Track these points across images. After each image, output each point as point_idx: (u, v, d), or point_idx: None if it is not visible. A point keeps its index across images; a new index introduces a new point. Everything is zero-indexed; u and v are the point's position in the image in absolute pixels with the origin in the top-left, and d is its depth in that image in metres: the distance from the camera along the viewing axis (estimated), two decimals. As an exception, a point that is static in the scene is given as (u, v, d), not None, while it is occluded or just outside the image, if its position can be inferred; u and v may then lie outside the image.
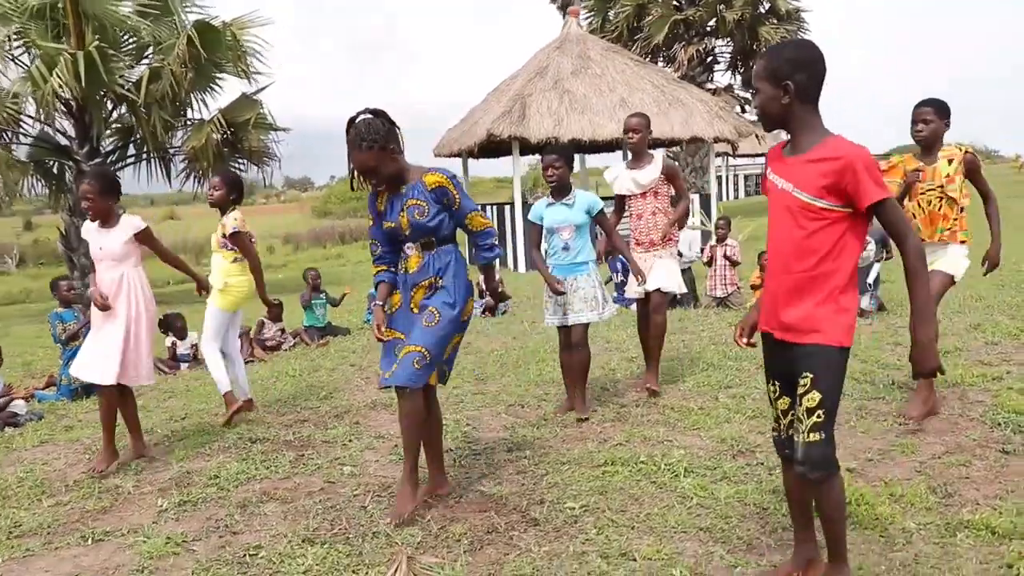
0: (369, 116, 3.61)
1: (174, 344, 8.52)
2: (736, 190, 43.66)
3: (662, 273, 5.62)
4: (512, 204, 18.21)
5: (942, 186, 4.61)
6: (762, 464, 4.01)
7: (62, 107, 14.82)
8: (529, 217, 5.43)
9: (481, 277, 4.64)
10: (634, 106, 16.92)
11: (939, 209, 4.64)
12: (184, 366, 8.37)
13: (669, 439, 4.50)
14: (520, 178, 18.77)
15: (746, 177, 44.52)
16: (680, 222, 5.84)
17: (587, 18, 27.37)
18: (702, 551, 3.13)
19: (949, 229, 4.65)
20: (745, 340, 2.85)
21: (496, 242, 3.92)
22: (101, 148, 15.72)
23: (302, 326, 9.66)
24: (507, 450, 4.53)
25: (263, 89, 16.02)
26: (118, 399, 4.84)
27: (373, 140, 3.53)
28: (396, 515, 3.59)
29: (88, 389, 6.75)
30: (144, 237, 4.85)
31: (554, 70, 17.76)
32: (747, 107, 26.90)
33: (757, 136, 27.96)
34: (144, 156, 16.44)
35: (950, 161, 4.62)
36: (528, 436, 4.77)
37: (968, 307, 8.12)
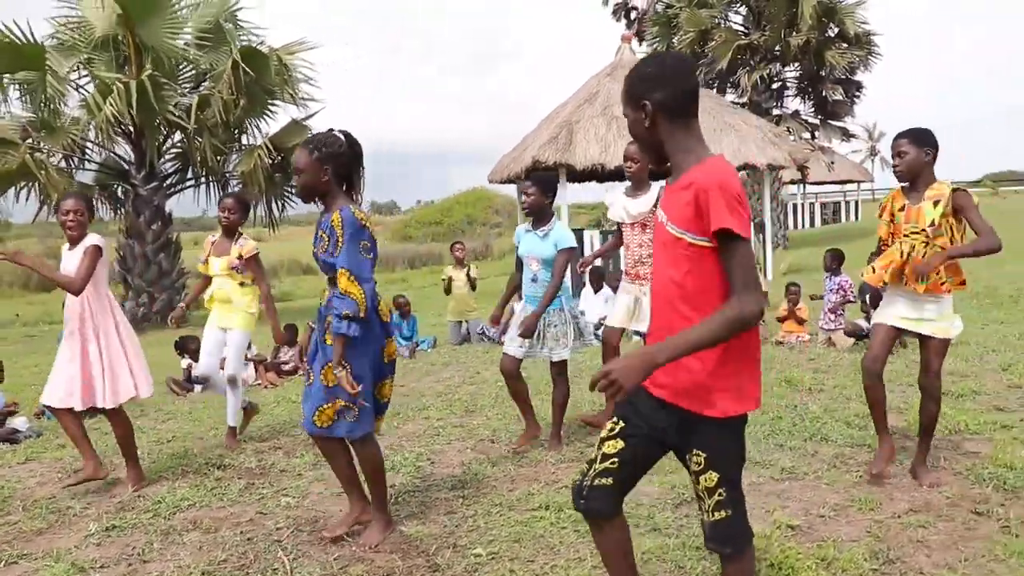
0: (337, 133, 3.57)
1: (189, 367, 8.64)
2: (812, 218, 41.26)
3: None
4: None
5: (927, 231, 4.01)
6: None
7: (121, 133, 15.37)
8: (513, 239, 5.33)
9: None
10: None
11: (923, 256, 4.01)
12: (198, 388, 8.47)
13: (618, 483, 4.28)
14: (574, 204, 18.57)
15: (823, 205, 42.24)
16: None
17: (652, 44, 27.15)
18: (593, 609, 2.93)
19: (935, 280, 4.03)
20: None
21: (352, 318, 3.35)
22: (158, 172, 16.24)
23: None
24: (450, 488, 4.38)
25: (312, 115, 16.31)
26: (119, 420, 4.78)
27: (315, 148, 3.48)
28: (364, 544, 3.63)
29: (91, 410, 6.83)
30: (89, 252, 4.48)
31: (604, 96, 17.54)
32: (817, 133, 26.20)
33: (828, 163, 27.25)
34: (202, 180, 16.91)
35: (936, 203, 3.96)
36: (480, 474, 4.61)
37: (1007, 345, 7.61)
